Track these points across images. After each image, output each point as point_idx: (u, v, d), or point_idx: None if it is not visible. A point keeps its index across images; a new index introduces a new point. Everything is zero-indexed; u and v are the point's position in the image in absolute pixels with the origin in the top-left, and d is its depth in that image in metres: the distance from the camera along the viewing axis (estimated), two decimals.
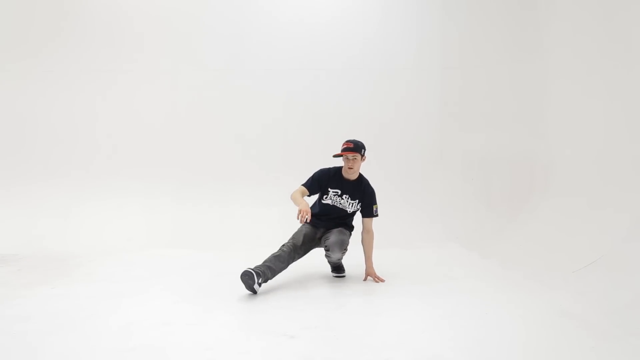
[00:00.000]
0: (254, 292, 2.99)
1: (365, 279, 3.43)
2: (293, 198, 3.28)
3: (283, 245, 3.32)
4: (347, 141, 3.39)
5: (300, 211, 3.07)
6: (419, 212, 5.16)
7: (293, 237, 3.39)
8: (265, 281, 3.09)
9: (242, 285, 3.02)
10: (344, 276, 3.58)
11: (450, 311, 2.67)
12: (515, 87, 5.29)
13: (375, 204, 3.47)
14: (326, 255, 3.42)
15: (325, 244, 3.35)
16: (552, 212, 4.36)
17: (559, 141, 4.69)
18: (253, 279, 2.96)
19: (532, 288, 3.14)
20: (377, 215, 3.48)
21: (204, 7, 5.50)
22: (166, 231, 4.99)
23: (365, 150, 3.41)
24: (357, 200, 3.44)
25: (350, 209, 3.45)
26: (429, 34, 5.52)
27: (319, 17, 5.53)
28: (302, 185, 3.40)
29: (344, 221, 3.51)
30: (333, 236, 3.34)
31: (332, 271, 3.63)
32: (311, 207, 3.44)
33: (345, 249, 3.37)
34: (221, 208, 5.20)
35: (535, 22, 5.16)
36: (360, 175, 3.49)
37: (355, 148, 3.34)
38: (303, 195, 3.31)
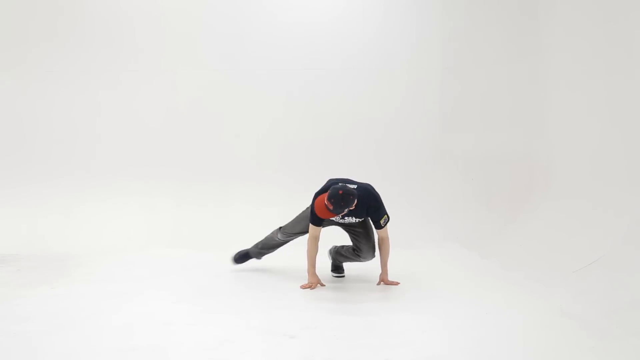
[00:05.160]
0: (258, 258, 3.66)
1: (378, 284, 3.35)
2: (307, 254, 3.29)
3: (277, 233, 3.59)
4: (331, 204, 2.97)
5: (310, 284, 3.24)
6: (418, 212, 5.16)
7: (288, 229, 3.55)
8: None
9: (242, 286, 3.11)
10: (343, 276, 3.58)
11: (450, 311, 2.67)
12: (514, 88, 5.28)
13: (383, 215, 3.22)
14: (355, 253, 3.47)
15: (359, 253, 3.41)
16: (552, 212, 4.36)
17: (559, 142, 4.69)
18: (248, 257, 3.59)
19: (532, 288, 3.14)
20: (388, 222, 3.29)
21: (204, 6, 5.49)
22: (166, 231, 4.98)
23: (354, 197, 3.03)
24: (362, 218, 3.33)
25: (356, 221, 3.35)
26: (428, 34, 5.51)
27: (319, 17, 5.52)
28: (311, 224, 3.22)
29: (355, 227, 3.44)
30: (364, 245, 3.37)
31: (331, 271, 3.63)
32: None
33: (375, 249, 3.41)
34: (221, 208, 5.19)
35: (536, 23, 5.15)
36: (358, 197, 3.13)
37: (341, 211, 3.02)
38: (316, 243, 3.22)
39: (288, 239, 3.58)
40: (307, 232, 3.36)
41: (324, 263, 3.72)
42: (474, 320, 2.51)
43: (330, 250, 3.68)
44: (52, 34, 5.39)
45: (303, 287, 3.24)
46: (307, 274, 3.30)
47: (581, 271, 3.25)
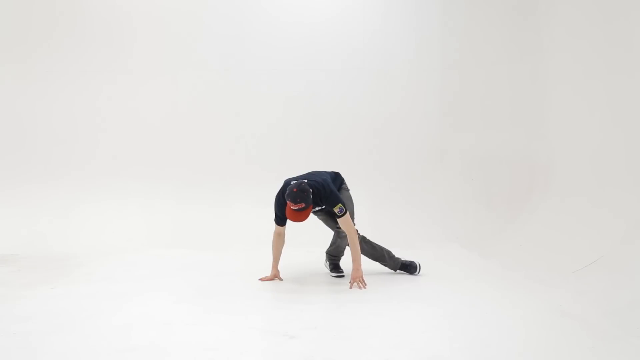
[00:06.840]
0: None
1: (350, 287, 3.17)
2: (272, 247, 3.44)
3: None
4: (299, 204, 3.11)
5: (266, 278, 3.37)
6: (418, 212, 5.16)
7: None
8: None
9: (242, 285, 3.12)
10: (342, 276, 3.58)
11: (450, 311, 2.67)
12: (515, 88, 5.28)
13: (337, 204, 3.21)
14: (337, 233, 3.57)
15: (339, 227, 3.45)
16: (552, 212, 4.36)
17: (559, 142, 4.69)
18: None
19: (532, 288, 3.14)
20: (345, 213, 3.23)
21: (204, 7, 5.50)
22: (166, 231, 4.99)
23: (304, 183, 3.20)
24: (323, 207, 3.36)
25: (322, 208, 3.40)
26: (429, 33, 5.52)
27: (318, 17, 5.52)
28: (275, 222, 3.41)
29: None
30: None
31: (330, 271, 3.64)
32: None
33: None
34: (221, 208, 5.20)
35: (536, 23, 5.16)
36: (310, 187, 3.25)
37: (303, 208, 3.14)
38: (280, 239, 3.40)
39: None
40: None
41: (323, 262, 3.73)
42: (474, 320, 2.51)
43: (325, 258, 3.73)
44: (52, 34, 5.39)
45: (262, 279, 3.36)
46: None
47: (581, 271, 3.26)
